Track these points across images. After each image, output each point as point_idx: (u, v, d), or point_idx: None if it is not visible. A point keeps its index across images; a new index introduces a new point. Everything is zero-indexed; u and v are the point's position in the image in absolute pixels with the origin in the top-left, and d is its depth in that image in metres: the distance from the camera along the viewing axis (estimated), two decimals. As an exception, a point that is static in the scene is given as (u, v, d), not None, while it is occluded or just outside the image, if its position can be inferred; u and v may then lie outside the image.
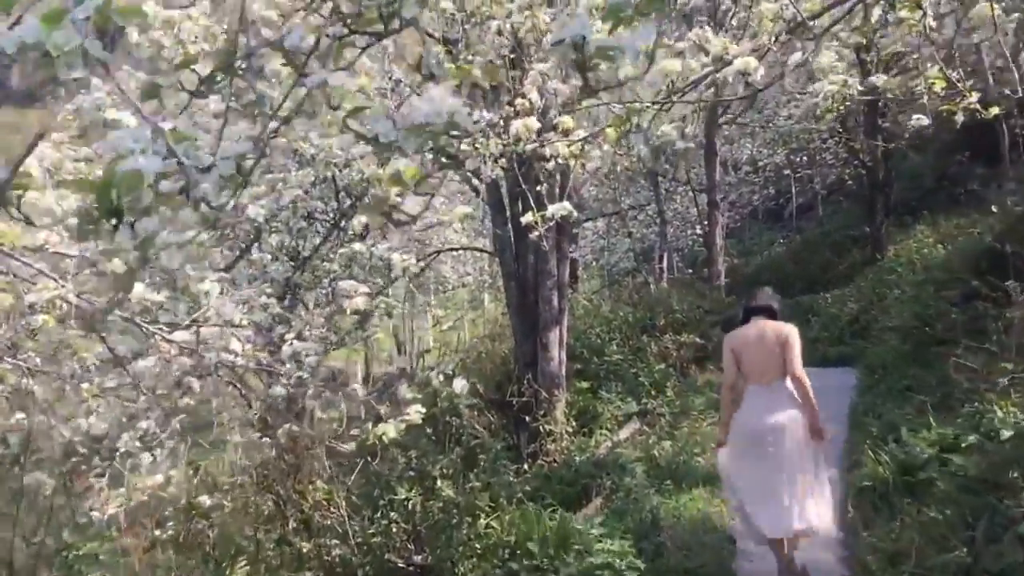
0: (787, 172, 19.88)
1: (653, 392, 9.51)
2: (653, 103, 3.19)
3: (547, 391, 8.01)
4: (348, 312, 4.66)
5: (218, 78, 1.82)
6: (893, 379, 9.46)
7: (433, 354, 19.85)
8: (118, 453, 5.50)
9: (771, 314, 4.83)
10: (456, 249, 10.90)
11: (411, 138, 1.31)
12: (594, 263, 22.46)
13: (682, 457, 7.36)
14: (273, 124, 1.87)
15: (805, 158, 19.93)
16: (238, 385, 6.07)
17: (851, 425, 8.58)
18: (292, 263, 6.51)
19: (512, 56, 5.57)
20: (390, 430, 3.93)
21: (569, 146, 4.60)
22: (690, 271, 18.59)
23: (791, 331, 4.66)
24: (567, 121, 4.56)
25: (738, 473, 4.79)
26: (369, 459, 5.45)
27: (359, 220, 6.02)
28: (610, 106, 3.51)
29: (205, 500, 4.84)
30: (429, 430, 7.45)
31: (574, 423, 8.19)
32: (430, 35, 4.85)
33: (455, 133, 1.29)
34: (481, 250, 10.89)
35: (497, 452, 7.31)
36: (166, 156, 1.12)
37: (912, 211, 17.21)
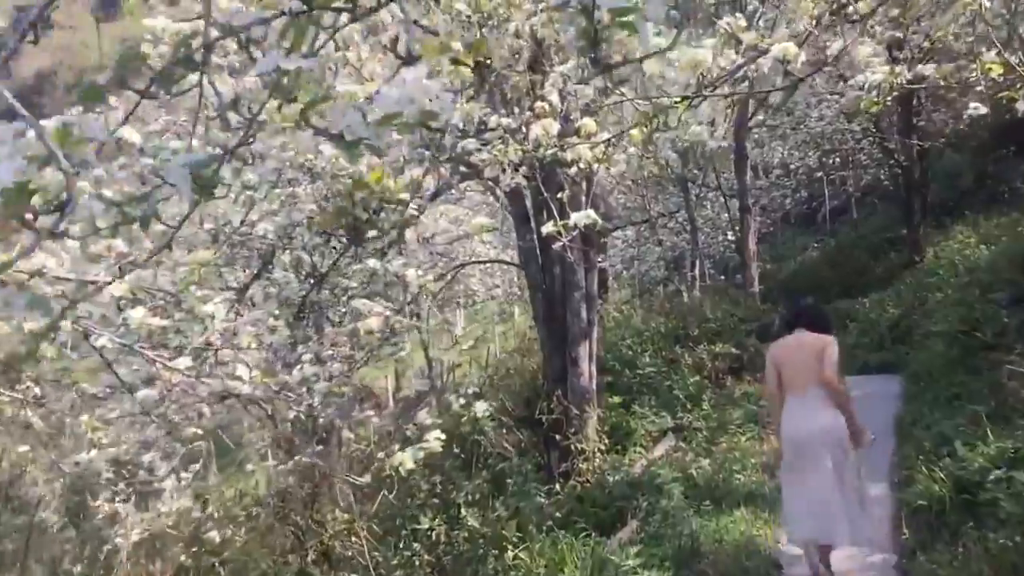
0: (819, 175, 19.40)
1: (688, 406, 9.15)
2: (683, 98, 2.91)
3: (578, 407, 7.69)
4: (363, 332, 4.43)
5: (175, 76, 1.57)
6: (940, 387, 9.01)
7: (463, 369, 19.66)
8: (139, 480, 5.31)
9: (813, 325, 4.81)
10: (481, 262, 10.62)
11: (381, 132, 1.04)
12: (624, 273, 22.10)
13: (721, 475, 7.00)
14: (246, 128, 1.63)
15: (838, 160, 19.43)
16: (263, 406, 5.87)
17: (899, 436, 8.15)
18: (311, 280, 6.29)
19: (532, 58, 5.33)
20: (407, 460, 3.67)
21: (592, 149, 4.33)
22: (722, 278, 18.17)
23: (829, 342, 4.62)
24: (589, 124, 4.30)
25: (792, 484, 4.79)
26: (390, 486, 5.18)
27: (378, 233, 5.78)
28: (634, 102, 3.23)
29: (214, 536, 4.61)
30: (457, 450, 7.20)
31: (606, 440, 7.86)
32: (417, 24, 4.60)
33: (433, 127, 1.02)
34: (507, 263, 10.61)
35: (527, 473, 7.03)
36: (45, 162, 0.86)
37: (950, 211, 16.73)
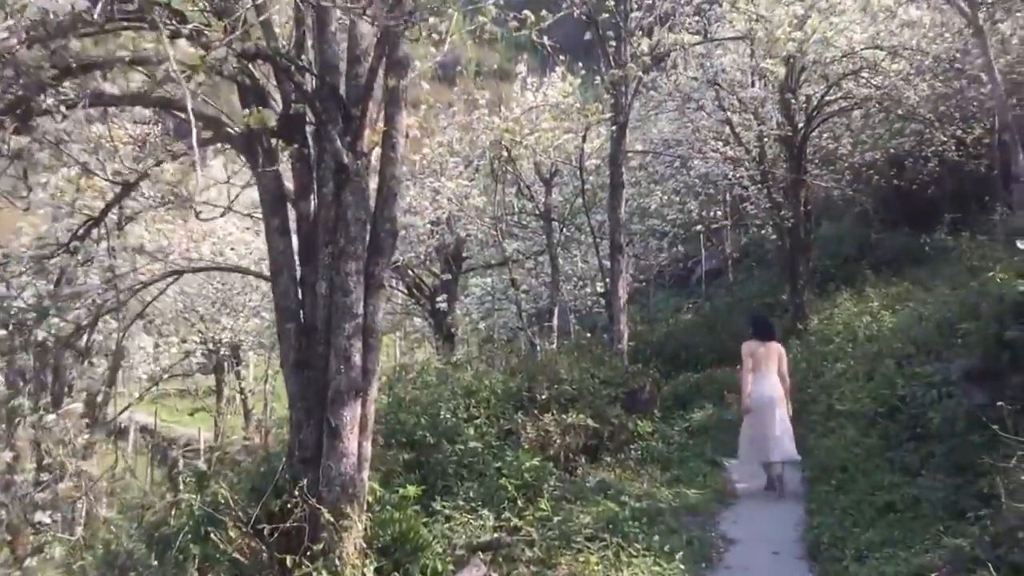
0: (698, 228, 17.36)
1: (520, 502, 6.32)
2: None
3: (333, 509, 4.73)
4: None
5: None
6: (861, 488, 6.56)
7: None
8: None
9: (769, 335, 8.27)
10: (204, 269, 7.44)
11: None
12: (481, 324, 19.45)
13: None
14: None
15: (719, 213, 17.58)
16: None
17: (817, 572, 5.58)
18: None
19: None
20: None
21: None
22: (588, 335, 15.62)
23: (781, 349, 8.25)
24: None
25: (753, 426, 7.99)
26: None
27: None
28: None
29: None
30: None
31: (377, 562, 4.90)
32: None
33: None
34: (245, 271, 7.34)
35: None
36: None
37: (832, 278, 15.14)
